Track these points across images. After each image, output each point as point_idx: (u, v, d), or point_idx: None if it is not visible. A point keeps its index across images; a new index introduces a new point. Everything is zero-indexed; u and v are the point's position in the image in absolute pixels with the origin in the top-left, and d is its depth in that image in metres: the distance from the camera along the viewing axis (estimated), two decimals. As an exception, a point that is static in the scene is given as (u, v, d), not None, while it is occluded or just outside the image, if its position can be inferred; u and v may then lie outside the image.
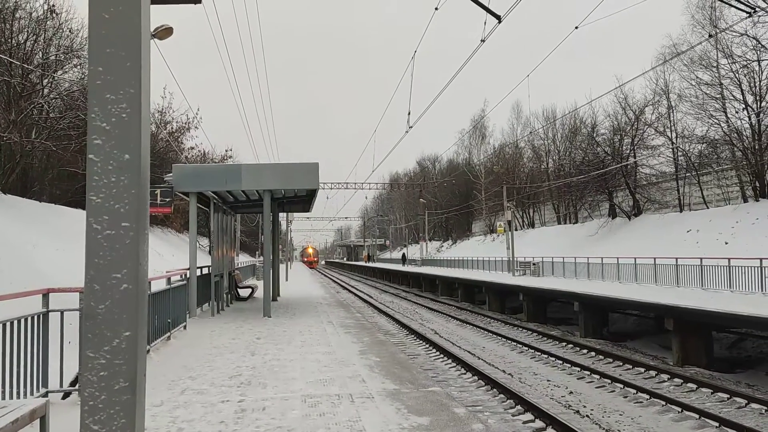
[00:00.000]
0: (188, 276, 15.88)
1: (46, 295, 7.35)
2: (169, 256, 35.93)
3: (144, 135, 2.00)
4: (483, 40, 14.76)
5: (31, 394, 6.76)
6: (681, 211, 42.49)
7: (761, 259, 20.59)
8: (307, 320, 15.91)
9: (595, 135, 53.36)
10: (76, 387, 7.52)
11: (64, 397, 7.65)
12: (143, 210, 1.97)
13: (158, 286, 11.72)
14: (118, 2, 2.01)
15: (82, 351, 1.91)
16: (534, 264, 38.44)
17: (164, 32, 14.92)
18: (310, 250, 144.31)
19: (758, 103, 36.69)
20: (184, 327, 13.68)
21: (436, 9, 15.40)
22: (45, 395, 7.02)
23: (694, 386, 15.03)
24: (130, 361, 1.91)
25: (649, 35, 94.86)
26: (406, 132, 23.31)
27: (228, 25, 22.99)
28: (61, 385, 7.55)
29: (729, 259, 22.35)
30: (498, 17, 13.23)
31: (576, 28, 17.30)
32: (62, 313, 7.51)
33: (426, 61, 56.44)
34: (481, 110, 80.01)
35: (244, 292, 23.93)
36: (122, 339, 1.91)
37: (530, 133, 66.11)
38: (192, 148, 53.38)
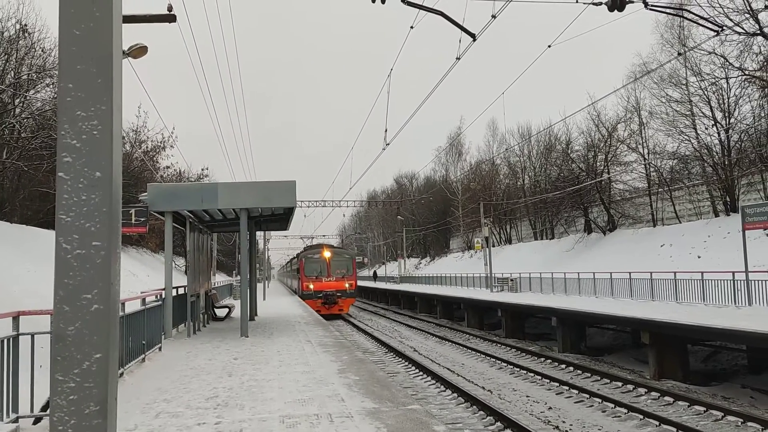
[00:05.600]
0: (164, 296, 15.66)
1: (16, 318, 7.20)
2: (144, 277, 35.46)
3: (116, 152, 1.96)
4: (458, 58, 14.90)
5: (1, 419, 6.59)
6: (654, 226, 43.02)
7: (733, 273, 20.86)
8: (285, 339, 15.76)
9: (569, 151, 53.98)
10: (47, 412, 7.34)
11: (35, 423, 7.47)
12: (115, 229, 1.93)
13: (133, 307, 11.54)
14: (89, 19, 1.99)
15: (52, 374, 1.85)
16: (512, 280, 38.58)
17: (139, 51, 14.82)
18: (327, 254, 41.70)
19: (727, 119, 37.43)
20: (160, 348, 13.46)
21: (412, 27, 15.51)
22: (15, 421, 6.85)
23: (671, 400, 15.14)
24: (101, 384, 1.86)
25: (620, 54, 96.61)
26: (383, 149, 23.32)
27: (203, 43, 22.96)
28: (32, 410, 7.38)
29: (702, 272, 22.63)
30: (473, 35, 13.36)
31: (549, 46, 17.55)
32: (33, 336, 7.35)
33: (402, 79, 56.77)
34: (458, 127, 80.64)
35: (220, 312, 23.66)
36: (93, 361, 1.86)
37: (506, 150, 66.64)
38: (167, 167, 52.93)
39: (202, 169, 62.69)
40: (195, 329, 17.99)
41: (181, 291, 18.02)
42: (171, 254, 17.26)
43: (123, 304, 10.48)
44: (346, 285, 40.18)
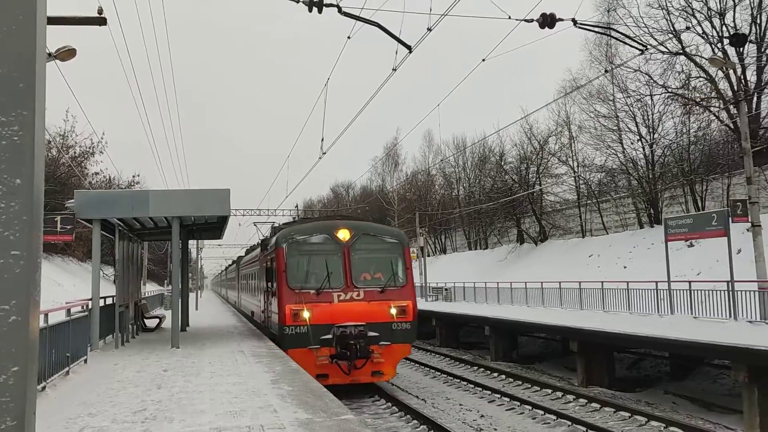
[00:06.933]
0: (90, 307, 15.16)
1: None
2: (69, 286, 34.20)
3: (38, 159, 1.91)
4: (394, 69, 15.04)
5: None
6: (583, 237, 44.32)
7: (656, 282, 21.67)
8: (218, 350, 15.48)
9: (503, 163, 55.08)
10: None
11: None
12: (36, 237, 1.88)
13: (57, 318, 11.13)
14: (10, 21, 1.93)
15: (-34, 389, 1.78)
16: (446, 289, 39.02)
17: (67, 53, 14.38)
18: (343, 234, 17.31)
19: (651, 134, 39.07)
20: (85, 361, 13.01)
21: (349, 38, 15.58)
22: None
23: (598, 406, 15.59)
24: (18, 399, 1.80)
25: (552, 69, 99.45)
26: (320, 158, 23.28)
27: (135, 47, 22.40)
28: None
29: (627, 282, 23.40)
30: (409, 47, 13.52)
31: (483, 60, 17.91)
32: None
33: (340, 89, 56.81)
34: (394, 138, 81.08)
35: (151, 323, 23.05)
36: (9, 375, 1.80)
37: (441, 160, 67.50)
38: (96, 173, 51.13)
39: (134, 176, 60.77)
40: (123, 341, 17.47)
41: (109, 301, 17.49)
42: (99, 263, 16.73)
43: (46, 315, 10.10)
44: (393, 310, 16.75)
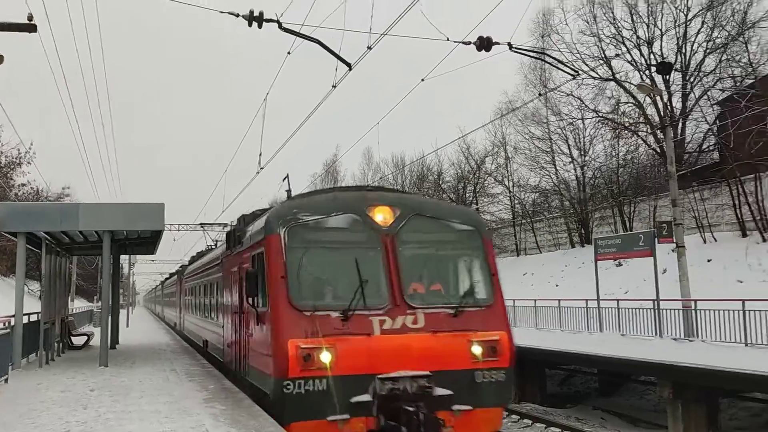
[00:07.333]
0: (12, 324, 14.53)
1: None
2: (-10, 302, 32.63)
3: (-37, 172, 1.85)
4: (334, 86, 15.09)
5: None
6: (518, 255, 45.24)
7: (587, 300, 22.26)
8: (149, 368, 15.06)
9: (441, 182, 55.75)
10: None
11: None
12: (-42, 252, 1.82)
13: (-24, 335, 10.62)
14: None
15: None
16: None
17: (-6, 60, 13.84)
18: (382, 216, 9.80)
19: (582, 157, 40.41)
20: (6, 380, 12.45)
21: (289, 53, 15.56)
22: None
23: (530, 422, 15.90)
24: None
25: (490, 90, 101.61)
26: (257, 173, 23.05)
27: (67, 55, 21.74)
28: None
29: (559, 300, 23.94)
30: (348, 65, 13.60)
31: (422, 80, 18.15)
32: None
33: (279, 104, 56.51)
34: (334, 155, 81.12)
35: (78, 340, 22.25)
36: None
37: (380, 178, 67.84)
38: (23, 185, 49.20)
39: (63, 189, 58.72)
40: (48, 359, 16.79)
41: (33, 318, 16.80)
42: (23, 278, 16.10)
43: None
44: (477, 349, 9.29)
